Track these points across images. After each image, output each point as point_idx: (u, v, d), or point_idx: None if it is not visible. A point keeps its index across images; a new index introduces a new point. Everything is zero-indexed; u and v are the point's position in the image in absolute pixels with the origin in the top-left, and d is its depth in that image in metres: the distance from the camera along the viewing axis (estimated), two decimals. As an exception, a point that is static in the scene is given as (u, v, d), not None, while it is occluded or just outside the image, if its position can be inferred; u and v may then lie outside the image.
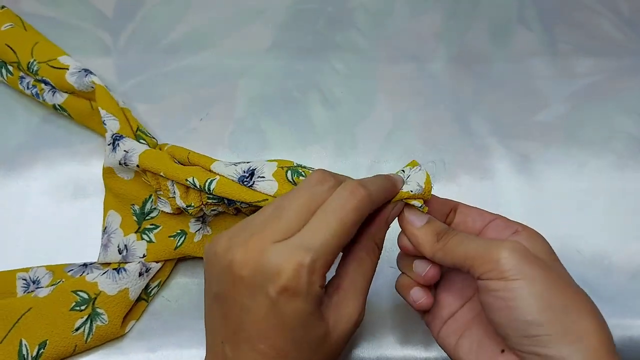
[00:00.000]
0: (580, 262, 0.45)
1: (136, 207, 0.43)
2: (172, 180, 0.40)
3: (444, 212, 0.37)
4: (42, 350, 0.38)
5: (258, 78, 0.52)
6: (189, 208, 0.40)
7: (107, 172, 0.43)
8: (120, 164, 0.42)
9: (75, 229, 0.44)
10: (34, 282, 0.41)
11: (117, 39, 0.52)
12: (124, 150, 0.42)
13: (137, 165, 0.41)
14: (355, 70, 0.52)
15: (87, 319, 0.39)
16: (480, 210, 0.36)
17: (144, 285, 0.41)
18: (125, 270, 0.40)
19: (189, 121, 0.49)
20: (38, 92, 0.47)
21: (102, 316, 0.39)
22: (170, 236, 0.42)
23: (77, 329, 0.39)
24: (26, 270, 0.42)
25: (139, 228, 0.42)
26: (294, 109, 0.50)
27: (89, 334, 0.39)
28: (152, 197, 0.43)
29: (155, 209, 0.43)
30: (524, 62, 0.54)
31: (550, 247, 0.34)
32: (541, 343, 0.29)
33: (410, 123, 0.50)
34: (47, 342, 0.38)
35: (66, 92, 0.46)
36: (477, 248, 0.32)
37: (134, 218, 0.43)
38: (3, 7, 0.51)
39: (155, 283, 0.42)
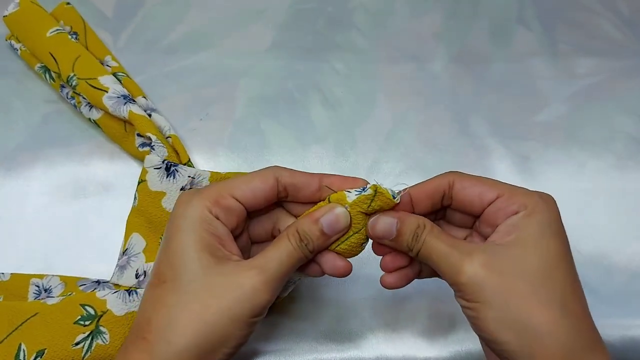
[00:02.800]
0: (581, 262, 0.44)
1: None
2: None
3: (436, 201, 0.35)
4: (39, 358, 0.37)
5: (258, 78, 0.52)
6: None
7: (153, 196, 0.42)
8: (182, 189, 0.41)
9: (75, 229, 0.44)
10: (45, 290, 0.41)
11: (117, 39, 0.52)
12: (189, 177, 0.42)
13: None
14: (355, 70, 0.52)
15: (88, 335, 0.38)
16: (479, 188, 0.34)
17: None
18: (136, 293, 0.39)
19: (189, 121, 0.49)
20: (76, 104, 0.47)
21: (104, 335, 0.38)
22: None
23: (77, 344, 0.37)
24: (40, 277, 0.41)
25: None
26: (294, 109, 0.50)
27: (87, 350, 0.38)
28: None
29: None
30: (524, 62, 0.54)
31: (555, 218, 0.33)
32: (507, 355, 0.30)
33: (410, 123, 0.50)
34: (46, 351, 0.37)
35: (101, 109, 0.46)
36: (445, 262, 0.32)
37: None
38: (67, 3, 0.51)
39: None
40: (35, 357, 0.37)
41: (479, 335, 0.32)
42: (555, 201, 0.33)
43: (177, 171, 0.42)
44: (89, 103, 0.46)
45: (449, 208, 0.36)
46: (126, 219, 0.42)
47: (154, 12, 0.54)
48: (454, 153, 0.49)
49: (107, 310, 0.38)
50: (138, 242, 0.42)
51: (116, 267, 0.41)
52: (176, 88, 0.51)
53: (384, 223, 0.33)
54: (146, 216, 0.42)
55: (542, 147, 0.49)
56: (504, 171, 0.47)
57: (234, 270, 0.31)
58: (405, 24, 0.55)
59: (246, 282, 0.31)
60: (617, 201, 0.47)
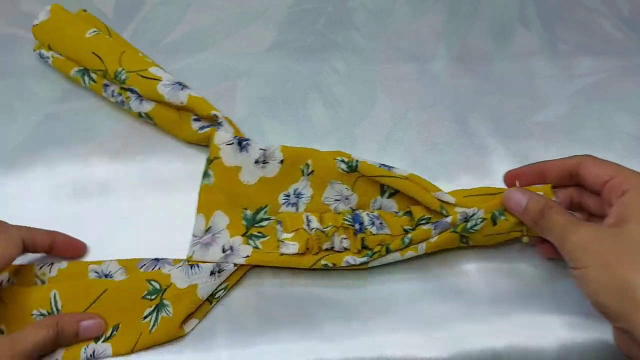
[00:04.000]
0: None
1: (248, 212, 0.43)
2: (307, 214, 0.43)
3: (564, 176, 0.41)
4: (114, 332, 0.39)
5: (258, 78, 0.52)
6: (327, 229, 0.42)
7: (230, 171, 0.43)
8: (256, 162, 0.43)
9: (75, 229, 0.44)
10: (106, 276, 0.42)
11: (117, 39, 0.52)
12: (261, 149, 0.43)
13: (281, 161, 0.43)
14: (355, 70, 0.52)
15: (154, 309, 0.40)
16: (598, 170, 0.39)
17: (214, 287, 0.41)
18: (198, 267, 0.40)
19: (189, 121, 0.49)
20: (124, 99, 0.47)
21: (168, 308, 0.40)
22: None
23: (145, 317, 0.40)
24: (98, 263, 0.42)
25: (246, 232, 0.43)
26: (294, 109, 0.50)
27: (154, 324, 0.39)
28: (268, 206, 0.43)
29: (266, 219, 0.43)
30: (524, 62, 0.54)
31: None
32: (609, 317, 0.34)
33: (410, 123, 0.50)
34: (120, 325, 0.39)
35: (153, 100, 0.46)
36: (557, 235, 0.37)
37: (243, 222, 0.43)
38: (84, 10, 0.51)
39: (223, 286, 0.42)
40: (112, 332, 0.39)
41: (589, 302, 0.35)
42: None
43: (249, 145, 0.43)
44: (139, 97, 0.46)
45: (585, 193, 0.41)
46: (198, 197, 0.43)
47: (154, 12, 0.54)
48: (454, 153, 0.49)
49: (171, 284, 0.40)
50: (222, 219, 0.43)
51: (195, 245, 0.42)
52: (176, 88, 0.50)
53: (515, 197, 0.40)
54: (226, 192, 0.43)
55: (542, 147, 0.49)
56: (504, 171, 0.47)
57: None
58: (406, 24, 0.55)
59: (3, 350, 0.36)
60: (617, 201, 0.47)
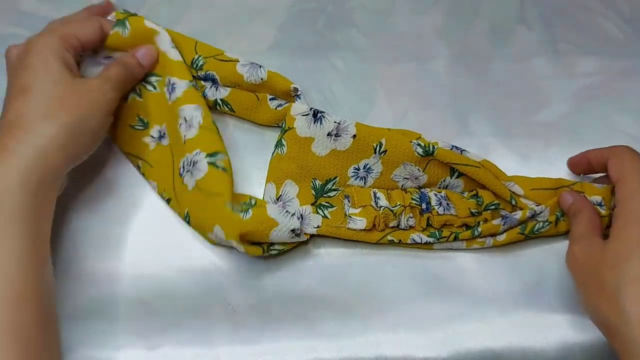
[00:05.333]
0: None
1: (317, 182, 0.44)
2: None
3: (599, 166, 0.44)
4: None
5: (258, 78, 0.51)
6: (395, 207, 0.43)
7: (303, 142, 0.44)
8: (329, 135, 0.43)
9: (75, 228, 0.44)
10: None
11: (117, 39, 0.52)
12: (335, 122, 0.44)
13: (354, 136, 0.44)
14: (355, 70, 0.52)
15: (238, 207, 0.40)
16: (613, 169, 0.42)
17: (284, 240, 0.41)
18: (291, 215, 0.42)
19: (188, 121, 0.49)
20: (198, 88, 0.46)
21: (247, 214, 0.40)
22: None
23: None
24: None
25: (315, 202, 0.44)
26: (294, 109, 0.50)
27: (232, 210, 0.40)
28: (337, 178, 0.45)
29: (334, 189, 0.45)
30: (524, 62, 0.54)
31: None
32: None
33: (410, 123, 0.50)
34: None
35: (229, 86, 0.47)
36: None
37: (312, 192, 0.44)
38: (135, 14, 0.48)
39: (280, 248, 0.42)
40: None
41: None
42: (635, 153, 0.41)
43: (324, 117, 0.44)
44: (213, 84, 0.48)
45: None
46: (269, 166, 0.45)
47: (154, 12, 0.54)
48: (454, 153, 0.48)
49: (264, 203, 0.42)
50: (292, 188, 0.44)
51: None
52: (176, 88, 0.50)
53: (565, 198, 0.44)
54: (297, 162, 0.44)
55: (543, 147, 0.49)
56: (505, 171, 0.47)
57: (86, 80, 0.41)
58: (406, 24, 0.55)
59: (96, 85, 0.41)
60: (617, 201, 0.47)
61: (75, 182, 0.46)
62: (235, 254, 0.44)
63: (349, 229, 0.43)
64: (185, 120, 0.43)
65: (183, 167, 0.42)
